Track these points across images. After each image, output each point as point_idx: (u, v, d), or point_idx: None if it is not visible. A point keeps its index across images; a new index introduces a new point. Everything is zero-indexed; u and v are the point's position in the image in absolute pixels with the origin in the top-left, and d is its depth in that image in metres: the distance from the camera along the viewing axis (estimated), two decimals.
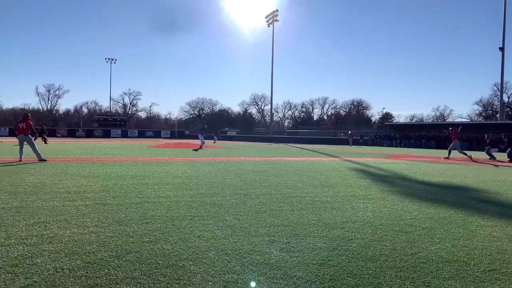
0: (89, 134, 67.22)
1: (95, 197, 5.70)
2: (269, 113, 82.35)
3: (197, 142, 29.64)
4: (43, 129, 31.33)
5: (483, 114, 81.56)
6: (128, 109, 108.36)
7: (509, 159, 18.00)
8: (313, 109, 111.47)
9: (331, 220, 4.57)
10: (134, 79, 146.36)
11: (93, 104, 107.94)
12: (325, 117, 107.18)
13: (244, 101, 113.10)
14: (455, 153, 19.25)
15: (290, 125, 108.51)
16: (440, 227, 4.34)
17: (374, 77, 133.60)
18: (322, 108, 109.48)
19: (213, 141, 42.66)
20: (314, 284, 2.60)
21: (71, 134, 66.44)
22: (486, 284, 2.70)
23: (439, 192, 7.28)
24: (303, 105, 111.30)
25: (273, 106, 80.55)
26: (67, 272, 2.70)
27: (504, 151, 18.83)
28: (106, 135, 68.09)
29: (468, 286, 2.64)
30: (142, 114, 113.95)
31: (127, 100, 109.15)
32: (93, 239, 3.52)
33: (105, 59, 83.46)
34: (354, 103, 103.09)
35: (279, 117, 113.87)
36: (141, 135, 72.12)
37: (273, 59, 66.07)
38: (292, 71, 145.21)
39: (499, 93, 52.51)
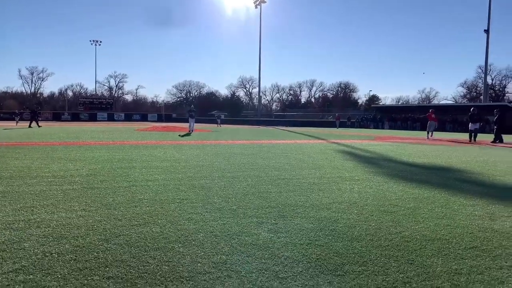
0: (75, 118, 66.10)
1: (82, 181, 5.65)
2: (257, 96, 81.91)
3: (186, 125, 29.23)
4: (35, 112, 30.45)
5: (468, 96, 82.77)
6: (114, 92, 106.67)
7: (493, 140, 18.13)
8: (300, 92, 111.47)
9: (318, 201, 4.63)
10: (119, 61, 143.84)
11: (78, 87, 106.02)
12: (312, 99, 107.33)
13: (232, 84, 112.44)
14: (437, 134, 19.54)
15: (278, 108, 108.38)
16: (424, 207, 4.45)
17: (361, 59, 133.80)
18: (310, 90, 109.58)
19: (218, 125, 43.01)
20: (301, 264, 2.66)
21: (57, 117, 65.21)
22: (467, 261, 2.79)
23: (423, 173, 7.43)
24: (291, 88, 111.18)
25: (261, 89, 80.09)
26: (56, 256, 2.70)
27: (491, 130, 18.91)
28: (92, 118, 67.05)
29: (450, 263, 2.73)
30: (129, 97, 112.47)
31: (113, 83, 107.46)
32: (81, 223, 3.51)
33: (90, 41, 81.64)
34: (341, 85, 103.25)
35: (267, 100, 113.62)
36: (128, 118, 71.25)
37: (260, 41, 65.38)
38: (280, 53, 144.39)
39: (483, 75, 53.14)
